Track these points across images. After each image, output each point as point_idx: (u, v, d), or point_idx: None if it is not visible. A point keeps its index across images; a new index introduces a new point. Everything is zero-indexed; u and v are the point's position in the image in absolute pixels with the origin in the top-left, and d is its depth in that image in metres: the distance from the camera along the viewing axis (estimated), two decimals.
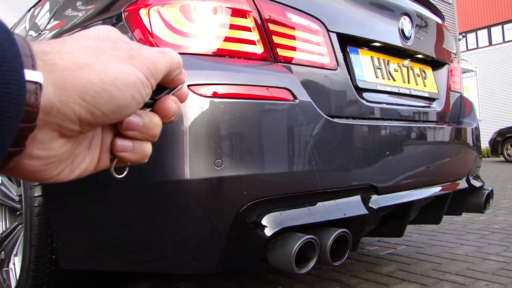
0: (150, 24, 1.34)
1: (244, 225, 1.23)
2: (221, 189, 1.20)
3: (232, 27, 1.34)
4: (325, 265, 1.29)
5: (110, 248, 1.45)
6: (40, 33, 2.16)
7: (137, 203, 1.31)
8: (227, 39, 1.34)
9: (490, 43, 23.90)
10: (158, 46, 1.31)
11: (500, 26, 23.62)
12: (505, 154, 12.44)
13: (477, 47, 24.18)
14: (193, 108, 1.20)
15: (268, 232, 1.23)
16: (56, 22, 2.02)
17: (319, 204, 1.34)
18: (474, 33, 24.39)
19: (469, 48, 24.36)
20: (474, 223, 3.55)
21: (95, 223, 1.46)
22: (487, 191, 2.12)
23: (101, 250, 1.49)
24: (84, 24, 1.61)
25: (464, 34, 20.74)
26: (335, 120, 1.40)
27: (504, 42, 23.32)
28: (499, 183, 6.67)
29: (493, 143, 12.78)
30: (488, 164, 12.09)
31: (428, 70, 2.08)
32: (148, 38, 1.33)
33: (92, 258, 1.53)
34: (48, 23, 2.13)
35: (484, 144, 17.21)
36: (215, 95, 1.22)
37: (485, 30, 24.12)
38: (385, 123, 1.60)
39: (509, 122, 15.10)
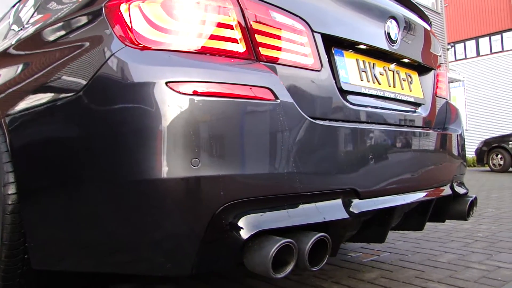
0: (131, 20, 1.31)
1: (220, 227, 1.20)
2: (197, 189, 1.16)
3: (214, 24, 1.31)
4: (303, 270, 1.26)
5: (84, 248, 1.41)
6: (22, 28, 2.11)
7: (112, 202, 1.27)
8: (209, 37, 1.31)
9: (478, 54, 24.21)
10: (138, 42, 1.28)
11: (487, 38, 23.94)
12: (491, 164, 12.54)
13: (465, 58, 24.47)
14: (170, 105, 1.16)
15: (244, 234, 1.19)
16: (40, 16, 1.98)
17: (299, 207, 1.31)
18: (462, 44, 24.69)
19: (457, 58, 24.64)
20: (458, 231, 3.54)
21: (69, 223, 1.42)
22: (471, 198, 2.11)
23: (75, 251, 1.44)
24: (68, 18, 1.56)
25: (452, 44, 20.95)
26: (318, 122, 1.38)
27: (492, 53, 23.63)
28: (484, 192, 6.70)
29: (479, 152, 12.88)
30: (473, 173, 12.17)
31: (414, 75, 2.06)
32: (128, 35, 1.30)
33: (65, 259, 1.49)
34: (31, 16, 2.08)
35: (471, 153, 17.37)
36: (193, 93, 1.18)
37: (473, 41, 24.43)
38: (369, 126, 1.57)
39: (495, 132, 15.24)
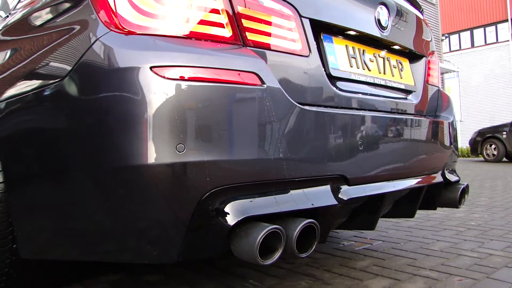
0: (115, 4, 1.28)
1: (207, 214, 1.18)
2: (183, 175, 1.14)
3: (200, 9, 1.29)
4: (292, 257, 1.25)
5: (71, 237, 1.39)
6: (9, 14, 2.07)
7: (97, 190, 1.26)
8: (194, 21, 1.29)
9: (473, 45, 24.22)
10: (123, 27, 1.25)
11: (482, 29, 23.94)
12: (484, 154, 12.57)
13: (460, 49, 24.48)
14: (155, 90, 1.15)
15: (231, 221, 1.18)
16: (27, 0, 1.95)
17: (287, 193, 1.30)
18: (457, 35, 24.69)
19: (452, 50, 24.65)
20: (451, 219, 3.55)
21: (56, 211, 1.40)
22: (463, 186, 2.10)
23: (62, 240, 1.43)
24: (54, 3, 1.54)
25: (447, 35, 20.95)
26: (306, 107, 1.36)
27: (486, 44, 23.65)
28: (477, 182, 6.72)
29: (473, 143, 12.90)
30: (467, 163, 12.22)
31: (405, 62, 2.05)
32: (112, 19, 1.28)
33: (53, 248, 1.47)
34: (18, 1, 2.05)
35: (465, 144, 17.43)
36: (178, 77, 1.16)
37: (468, 32, 24.43)
38: (359, 113, 1.56)
39: (489, 123, 15.30)
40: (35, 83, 1.45)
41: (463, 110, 20.79)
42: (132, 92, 1.16)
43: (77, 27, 1.36)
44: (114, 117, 1.18)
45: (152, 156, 1.13)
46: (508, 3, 22.67)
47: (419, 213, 3.86)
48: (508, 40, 22.75)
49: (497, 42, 23.29)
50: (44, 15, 1.56)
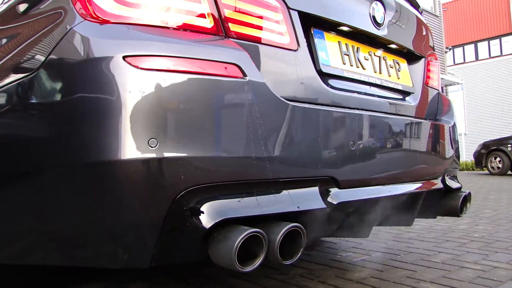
0: None
1: (181, 215, 1.09)
2: (155, 172, 1.05)
3: None
4: (275, 264, 1.15)
5: (48, 241, 1.30)
6: None
7: (68, 188, 1.17)
8: (172, 10, 1.21)
9: (477, 58, 24.16)
10: (97, 16, 1.18)
11: (486, 42, 23.89)
12: (489, 167, 12.40)
13: (464, 62, 24.42)
14: (127, 81, 1.06)
15: (207, 223, 1.08)
16: None
17: (270, 194, 1.20)
18: (461, 48, 24.65)
19: (456, 63, 24.59)
20: (454, 231, 3.43)
21: (30, 214, 1.31)
22: (464, 194, 2.00)
23: (39, 244, 1.33)
24: None
25: (451, 48, 20.90)
26: (293, 103, 1.27)
27: (490, 57, 23.58)
28: (482, 194, 6.59)
29: (478, 155, 12.74)
30: (472, 176, 12.05)
31: (403, 63, 1.96)
32: (87, 8, 1.20)
33: (32, 253, 1.37)
34: None
35: (469, 157, 17.27)
36: (153, 68, 1.08)
37: (472, 45, 24.38)
38: (351, 111, 1.47)
39: (494, 136, 15.15)
40: (7, 76, 1.37)
41: (467, 124, 20.64)
42: (103, 83, 1.08)
43: (52, 17, 1.28)
44: (84, 110, 1.10)
45: (122, 151, 1.04)
46: None
47: (421, 224, 3.74)
48: None
49: (501, 55, 23.21)
50: (22, 4, 1.49)
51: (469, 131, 20.75)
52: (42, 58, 1.24)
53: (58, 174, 1.16)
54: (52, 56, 1.21)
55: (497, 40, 23.47)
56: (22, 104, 1.30)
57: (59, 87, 1.19)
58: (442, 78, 15.25)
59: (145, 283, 2.09)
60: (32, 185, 1.25)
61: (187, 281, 2.11)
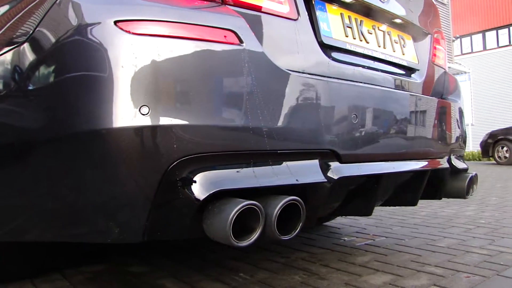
0: None
1: (174, 187, 1.04)
2: (146, 141, 1.01)
3: None
4: (272, 239, 1.10)
5: (43, 218, 1.26)
6: None
7: (57, 161, 1.13)
8: None
9: (485, 48, 23.91)
10: None
11: (494, 31, 23.63)
12: (496, 157, 12.27)
13: (472, 51, 24.18)
14: (118, 46, 1.02)
15: (201, 194, 1.04)
16: None
17: (267, 166, 1.15)
18: (469, 38, 24.40)
19: (463, 52, 24.35)
20: (459, 217, 3.37)
21: (23, 190, 1.27)
22: (471, 175, 1.94)
23: (35, 221, 1.29)
24: None
25: (458, 36, 20.65)
26: (292, 73, 1.22)
27: (498, 47, 23.33)
28: (488, 183, 6.52)
29: (484, 145, 12.60)
30: (478, 166, 11.95)
31: (408, 39, 1.90)
32: None
33: (29, 230, 1.33)
34: None
35: (476, 147, 17.14)
36: (145, 33, 1.04)
37: (480, 35, 24.13)
38: (354, 84, 1.41)
39: (501, 126, 14.99)
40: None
41: (474, 113, 20.48)
42: (92, 49, 1.04)
43: None
44: (74, 78, 1.06)
45: (113, 119, 1.00)
46: None
47: (426, 210, 3.69)
48: None
49: (510, 44, 22.94)
50: None
51: (476, 121, 20.61)
52: (31, 29, 1.20)
53: (47, 146, 1.12)
54: (41, 26, 1.17)
55: (506, 30, 23.20)
56: (8, 77, 1.25)
57: (49, 56, 1.15)
58: (449, 67, 15.11)
59: (145, 266, 2.05)
60: (20, 160, 1.21)
61: (187, 264, 2.08)
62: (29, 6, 1.28)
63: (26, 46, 1.21)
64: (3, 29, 1.37)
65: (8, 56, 1.25)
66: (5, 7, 1.38)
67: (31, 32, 1.20)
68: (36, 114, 1.15)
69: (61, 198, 1.13)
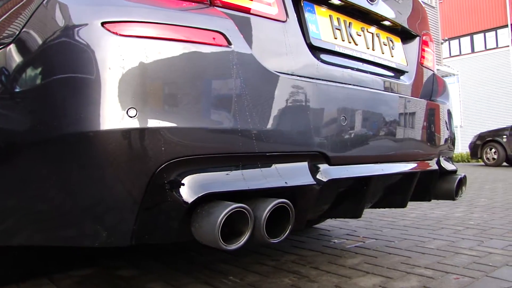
0: None
1: (162, 189, 1.03)
2: (134, 143, 1.00)
3: None
4: (261, 242, 1.09)
5: (31, 219, 1.24)
6: None
7: (44, 163, 1.11)
8: None
9: (473, 50, 24.15)
10: None
11: (482, 34, 23.88)
12: (485, 158, 12.37)
13: (460, 54, 24.41)
14: (105, 47, 1.01)
15: (189, 197, 1.03)
16: None
17: (256, 169, 1.14)
18: (457, 40, 24.62)
19: (452, 55, 24.58)
20: (449, 219, 3.39)
21: (11, 193, 1.24)
22: (460, 176, 1.95)
23: (20, 222, 1.27)
24: None
25: (446, 39, 20.81)
26: (281, 75, 1.21)
27: (486, 49, 23.57)
28: (477, 184, 6.56)
29: (473, 146, 12.70)
30: (467, 167, 12.04)
31: (397, 41, 1.90)
32: None
33: (17, 233, 1.31)
34: None
35: (465, 149, 17.28)
36: (131, 34, 1.03)
37: (468, 38, 24.37)
38: (342, 86, 1.41)
39: (489, 128, 15.12)
40: None
41: (463, 115, 20.64)
42: (80, 50, 1.03)
43: None
44: (60, 79, 1.04)
45: (100, 121, 0.99)
46: (508, 8, 22.61)
47: (416, 212, 3.71)
48: (508, 46, 22.66)
49: (497, 47, 23.20)
50: None
51: (465, 123, 20.79)
52: (17, 30, 1.18)
53: (34, 148, 1.10)
54: (27, 27, 1.16)
55: (493, 32, 23.46)
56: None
57: (35, 57, 1.13)
58: (438, 69, 15.22)
59: (134, 269, 2.04)
60: (8, 164, 1.19)
61: (175, 267, 2.06)
62: (15, 7, 1.26)
63: (12, 47, 1.19)
64: None
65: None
66: None
67: (17, 33, 1.18)
68: (23, 116, 1.13)
69: (48, 200, 1.11)
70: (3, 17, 1.29)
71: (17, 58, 1.19)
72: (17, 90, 1.16)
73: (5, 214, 1.27)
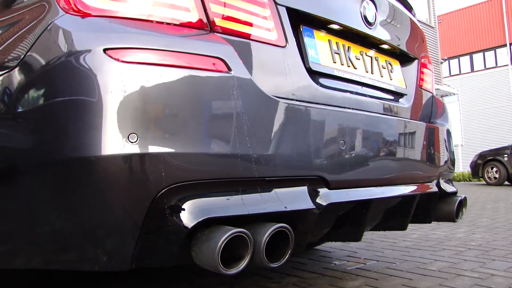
0: None
1: (162, 214, 1.04)
2: (135, 169, 1.01)
3: None
4: (261, 266, 1.09)
5: (32, 242, 1.24)
6: None
7: (45, 187, 1.12)
8: (155, 4, 1.17)
9: (472, 69, 24.29)
10: (79, 9, 1.14)
11: (481, 53, 24.05)
12: (486, 177, 12.34)
13: (460, 73, 24.56)
14: (107, 73, 1.03)
15: (189, 222, 1.03)
16: None
17: (256, 193, 1.15)
18: (456, 59, 24.79)
19: (452, 74, 24.71)
20: (450, 240, 3.37)
21: (11, 217, 1.25)
22: (460, 198, 1.95)
23: (24, 248, 1.27)
24: None
25: (446, 58, 20.94)
26: (280, 100, 1.23)
27: (485, 68, 23.71)
28: (479, 204, 6.54)
29: (474, 165, 12.68)
30: (469, 186, 12.00)
31: (396, 64, 1.92)
32: (70, 3, 1.16)
33: (17, 257, 1.31)
34: None
35: (466, 168, 17.24)
36: (132, 60, 1.05)
37: (467, 57, 24.54)
38: (342, 110, 1.42)
39: (490, 147, 15.12)
40: None
41: (463, 134, 20.66)
42: (82, 76, 1.04)
43: (33, 11, 1.25)
44: (63, 104, 1.06)
45: (101, 146, 1.00)
46: (506, 28, 22.82)
47: (417, 233, 3.69)
48: (507, 65, 22.81)
49: (496, 66, 23.35)
50: (3, 1, 1.45)
51: (465, 142, 20.78)
52: (22, 54, 1.20)
53: (35, 173, 1.11)
54: (32, 51, 1.18)
55: (492, 52, 23.64)
56: (1, 99, 1.25)
57: (38, 82, 1.15)
58: (438, 89, 15.29)
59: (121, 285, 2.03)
60: (9, 186, 1.20)
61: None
62: (21, 31, 1.28)
63: (17, 70, 1.20)
64: None
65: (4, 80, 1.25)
66: None
67: (22, 57, 1.20)
68: (25, 139, 1.14)
69: (49, 223, 1.12)
70: (9, 41, 1.31)
71: (21, 82, 1.20)
72: (20, 112, 1.17)
73: (5, 237, 1.28)
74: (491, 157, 12.21)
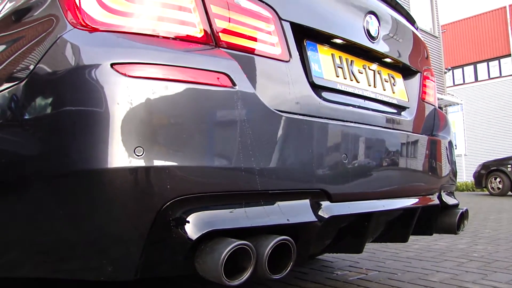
0: (80, 1, 1.20)
1: (167, 226, 1.06)
2: (141, 181, 1.03)
3: (169, 6, 1.20)
4: (263, 277, 1.11)
5: (36, 251, 1.26)
6: None
7: (52, 199, 1.14)
8: (162, 19, 1.20)
9: (476, 79, 24.31)
10: (87, 24, 1.17)
11: (485, 63, 24.08)
12: (489, 188, 12.31)
13: (464, 83, 24.57)
14: (114, 87, 1.05)
15: (193, 234, 1.05)
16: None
17: (259, 206, 1.17)
18: (460, 69, 24.82)
19: (455, 84, 24.73)
20: (452, 251, 3.38)
21: (18, 226, 1.27)
22: (461, 210, 1.96)
23: (29, 256, 1.29)
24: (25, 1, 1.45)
25: (450, 68, 20.97)
26: (284, 114, 1.25)
27: (489, 78, 23.73)
28: (482, 214, 6.53)
29: (478, 176, 12.65)
30: (472, 197, 11.97)
31: (398, 77, 1.94)
32: (77, 16, 1.19)
33: (22, 265, 1.33)
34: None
35: (469, 178, 17.20)
36: (139, 75, 1.07)
37: (471, 67, 24.57)
38: (344, 124, 1.44)
39: (493, 157, 15.11)
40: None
41: (467, 144, 20.64)
42: (89, 90, 1.07)
43: (42, 25, 1.28)
44: (70, 117, 1.08)
45: (107, 159, 1.02)
46: (511, 38, 22.85)
47: (419, 244, 3.69)
48: (511, 75, 22.82)
49: (500, 76, 23.36)
50: (13, 14, 1.48)
51: (469, 152, 20.75)
52: (31, 66, 1.22)
53: (43, 183, 1.14)
54: (40, 64, 1.20)
55: (496, 62, 23.67)
56: (8, 113, 1.28)
57: (46, 95, 1.18)
58: (441, 99, 15.30)
59: None
60: (17, 196, 1.22)
61: None
62: (30, 44, 1.31)
63: (26, 82, 1.23)
64: (3, 65, 1.40)
65: (8, 93, 1.28)
66: (6, 44, 1.41)
67: (32, 69, 1.23)
68: (33, 150, 1.17)
69: (54, 233, 1.14)
70: (18, 52, 1.34)
71: (30, 93, 1.23)
72: (28, 124, 1.20)
73: (10, 246, 1.30)
74: (495, 168, 12.19)
